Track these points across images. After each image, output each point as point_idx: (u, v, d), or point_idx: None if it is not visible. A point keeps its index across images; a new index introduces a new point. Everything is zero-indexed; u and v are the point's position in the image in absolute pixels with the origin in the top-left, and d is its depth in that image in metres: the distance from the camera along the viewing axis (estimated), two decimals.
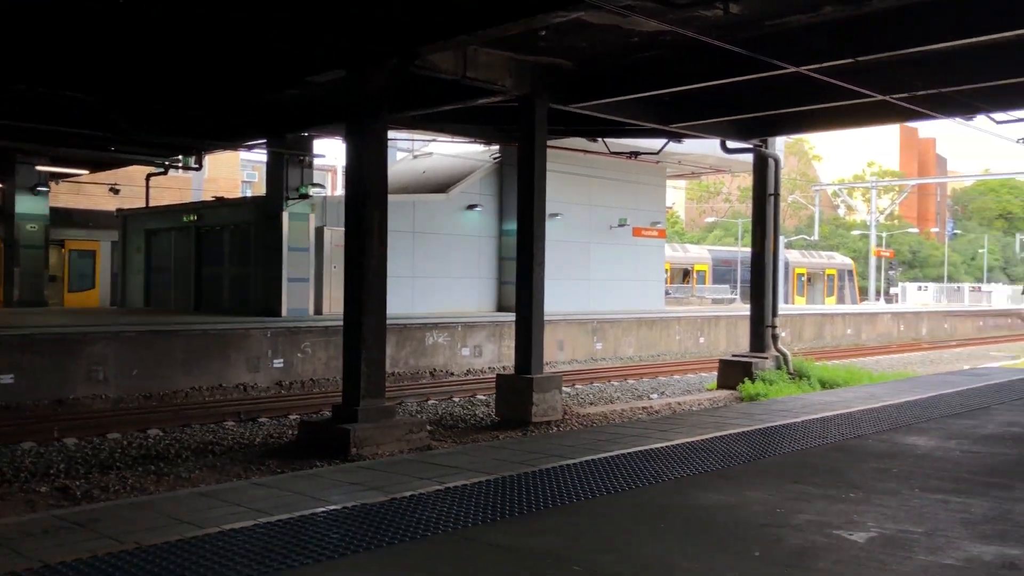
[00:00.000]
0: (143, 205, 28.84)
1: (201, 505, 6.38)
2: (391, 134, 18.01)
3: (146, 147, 21.80)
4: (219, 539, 5.43)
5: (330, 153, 64.68)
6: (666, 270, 37.12)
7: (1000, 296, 62.19)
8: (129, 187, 31.15)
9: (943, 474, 7.45)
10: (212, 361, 17.25)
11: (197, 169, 26.28)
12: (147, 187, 28.96)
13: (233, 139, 20.96)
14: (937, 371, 22.60)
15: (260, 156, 31.44)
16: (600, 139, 20.65)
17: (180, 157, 25.11)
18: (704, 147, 25.37)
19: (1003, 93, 13.77)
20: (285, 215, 21.81)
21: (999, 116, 15.38)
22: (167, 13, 11.20)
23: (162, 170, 26.81)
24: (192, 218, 25.50)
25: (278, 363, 18.15)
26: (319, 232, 22.73)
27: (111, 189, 29.23)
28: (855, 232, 70.51)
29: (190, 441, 12.15)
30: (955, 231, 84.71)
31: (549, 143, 14.62)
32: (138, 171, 30.02)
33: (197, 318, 20.09)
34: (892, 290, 63.96)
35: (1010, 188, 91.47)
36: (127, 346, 16.15)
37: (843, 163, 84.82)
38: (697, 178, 44.65)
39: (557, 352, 23.43)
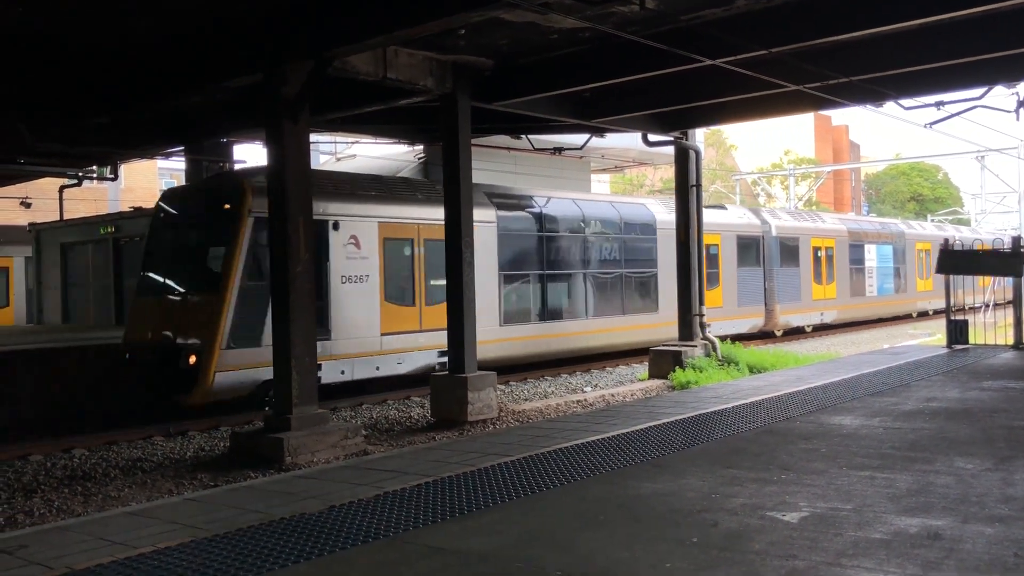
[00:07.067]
0: (57, 218, 27.87)
1: (133, 524, 6.22)
2: (313, 137, 17.77)
3: (57, 158, 21.09)
4: (154, 558, 5.31)
5: (252, 158, 63.49)
6: None
7: None
8: (42, 200, 30.08)
9: (868, 451, 7.71)
10: None
11: (112, 179, 25.53)
12: (60, 200, 28.01)
13: (148, 147, 20.42)
14: (859, 351, 23.34)
15: (179, 164, 30.72)
16: (524, 136, 20.73)
17: (94, 168, 24.34)
18: (626, 141, 25.67)
19: (910, 80, 14.26)
20: None
21: (907, 103, 15.92)
22: (69, 23, 10.87)
23: (75, 181, 25.97)
24: (109, 230, 24.73)
25: None
26: None
27: (22, 203, 28.17)
28: None
29: (117, 459, 11.82)
30: (870, 213, 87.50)
31: (473, 141, 14.62)
32: (51, 183, 29.01)
33: (118, 332, 19.50)
34: None
35: (920, 171, 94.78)
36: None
37: (761, 152, 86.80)
38: (621, 172, 45.16)
39: None
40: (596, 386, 17.84)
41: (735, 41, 11.37)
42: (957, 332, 16.80)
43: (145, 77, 13.29)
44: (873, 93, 14.45)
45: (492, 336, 17.53)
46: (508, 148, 24.61)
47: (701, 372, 17.37)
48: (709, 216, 24.13)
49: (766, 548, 5.07)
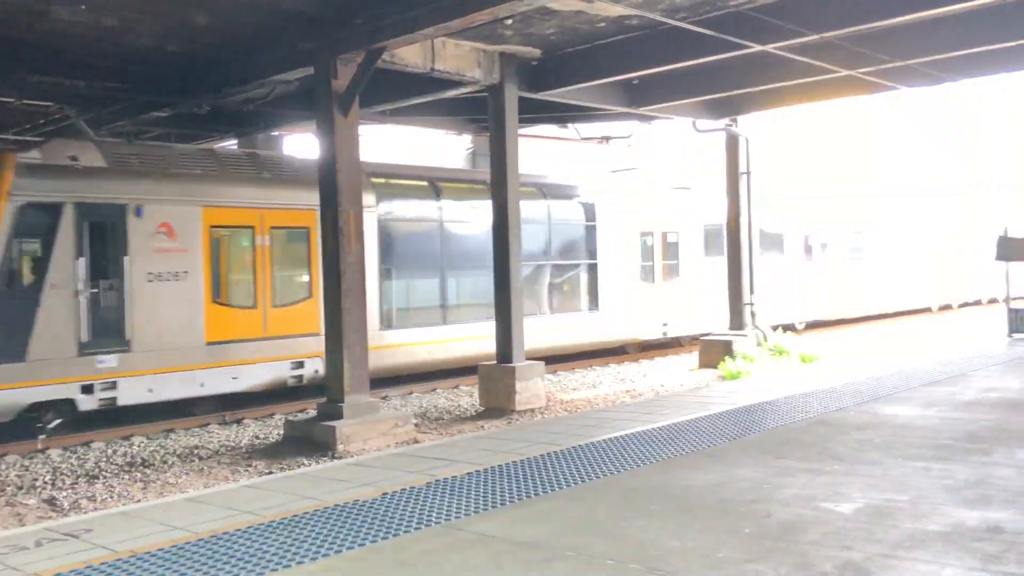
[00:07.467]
0: None
1: (192, 510, 6.38)
2: (361, 129, 17.95)
3: None
4: (213, 543, 5.44)
5: (302, 152, 64.22)
6: None
7: None
8: None
9: (924, 442, 7.58)
10: None
11: None
12: None
13: (203, 140, 20.77)
14: (919, 340, 22.90)
15: None
16: (571, 125, 20.66)
17: None
18: (677, 128, 25.37)
19: (972, 62, 13.88)
20: None
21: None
22: (132, 20, 11.11)
23: None
24: None
25: None
26: None
27: None
28: None
29: (175, 446, 12.09)
30: None
31: (520, 131, 14.61)
32: None
33: None
34: None
35: None
36: None
37: None
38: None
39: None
40: (645, 376, 17.77)
41: (786, 26, 11.20)
42: (1018, 321, 16.42)
43: (204, 72, 13.54)
44: (930, 76, 14.13)
45: (371, 343, 14.51)
46: (555, 138, 24.55)
47: (752, 362, 17.20)
48: (667, 200, 21.59)
49: (820, 539, 5.03)
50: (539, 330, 16.99)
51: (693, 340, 21.55)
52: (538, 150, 24.43)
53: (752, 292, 18.87)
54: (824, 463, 6.94)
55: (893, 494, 5.93)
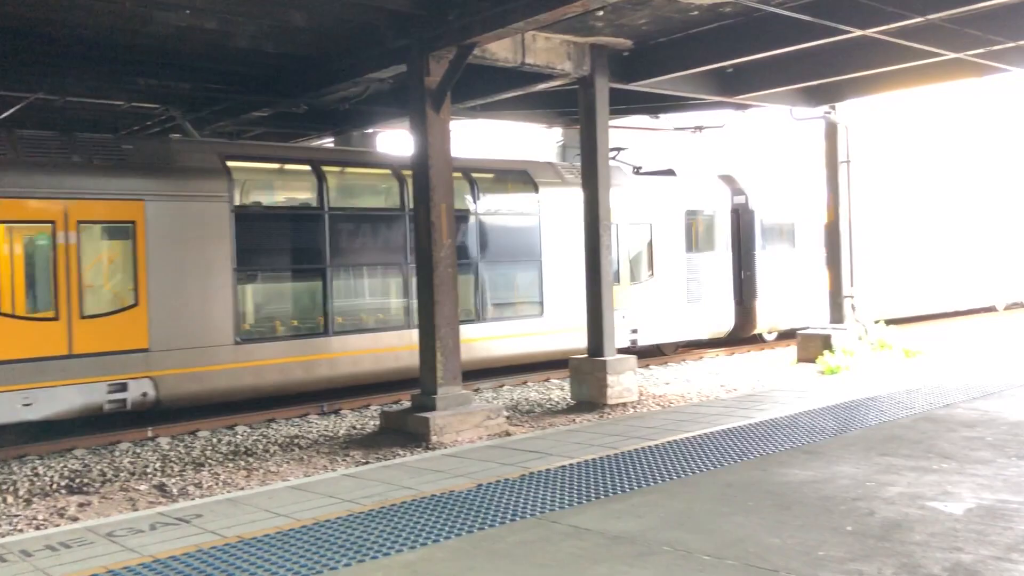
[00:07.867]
0: None
1: (295, 498, 6.58)
2: (453, 124, 18.12)
3: None
4: (315, 530, 5.60)
5: (396, 149, 65.34)
6: None
7: None
8: None
9: None
10: None
11: None
12: None
13: (301, 138, 21.35)
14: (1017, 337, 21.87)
15: None
16: (662, 116, 20.41)
17: None
18: (772, 116, 24.75)
19: None
20: None
21: None
22: (232, 22, 11.49)
23: None
24: None
25: None
26: None
27: None
28: None
29: (276, 436, 12.47)
30: None
31: (610, 123, 14.50)
32: None
33: None
34: None
35: None
36: None
37: None
38: None
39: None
40: (740, 371, 17.46)
41: (887, 9, 10.82)
42: None
43: (301, 72, 13.91)
44: None
45: (222, 359, 12.70)
46: (646, 129, 24.31)
47: (852, 356, 16.72)
48: (636, 186, 18.77)
49: (927, 539, 4.86)
50: (471, 339, 14.85)
51: (679, 349, 19.75)
52: (631, 141, 24.18)
53: (852, 284, 18.35)
54: (931, 461, 6.70)
55: (1007, 495, 5.68)
